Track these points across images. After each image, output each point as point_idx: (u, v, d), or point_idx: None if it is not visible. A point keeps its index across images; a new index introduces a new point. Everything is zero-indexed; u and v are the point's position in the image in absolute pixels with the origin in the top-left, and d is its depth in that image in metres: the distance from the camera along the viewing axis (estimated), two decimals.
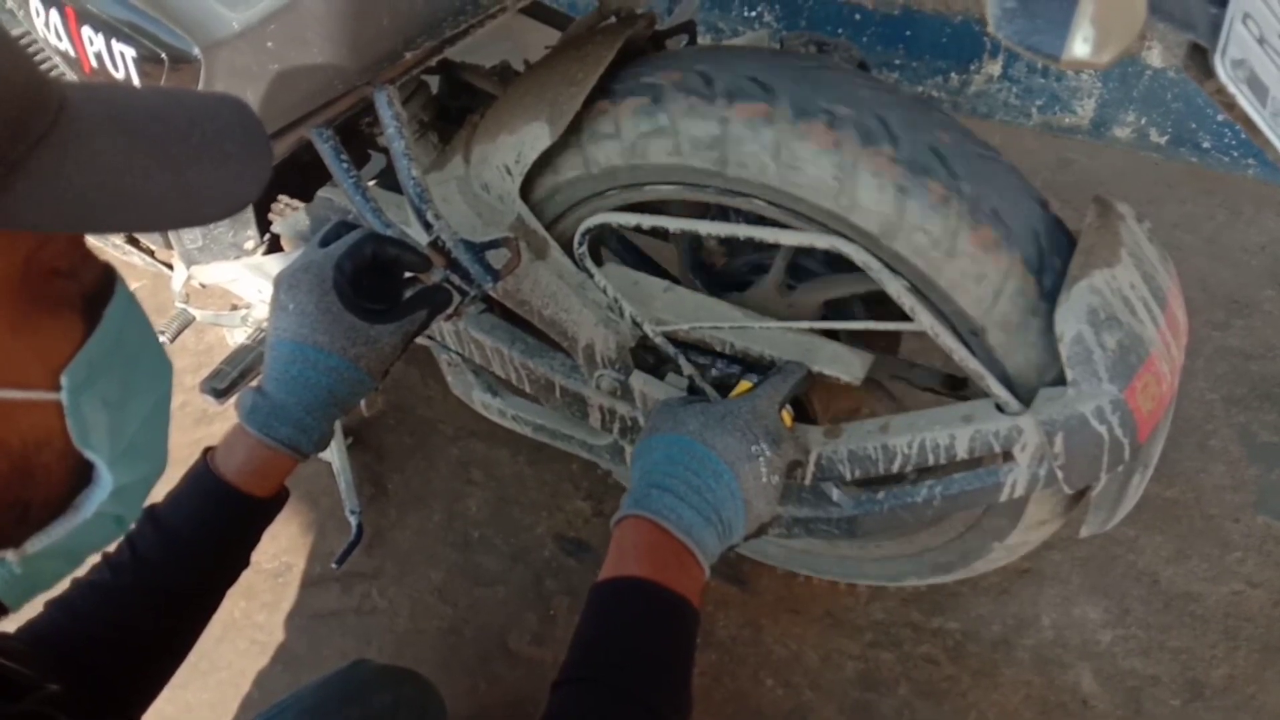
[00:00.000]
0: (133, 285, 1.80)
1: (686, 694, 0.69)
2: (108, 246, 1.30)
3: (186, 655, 0.82)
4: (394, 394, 1.59)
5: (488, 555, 1.39)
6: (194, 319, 1.20)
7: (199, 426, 1.55)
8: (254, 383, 1.15)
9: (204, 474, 0.79)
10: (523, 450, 1.49)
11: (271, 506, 0.83)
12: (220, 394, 1.05)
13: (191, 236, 1.08)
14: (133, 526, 0.76)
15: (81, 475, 0.50)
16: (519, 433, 1.24)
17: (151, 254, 1.31)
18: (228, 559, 0.82)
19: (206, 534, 0.78)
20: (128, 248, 1.29)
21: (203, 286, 1.19)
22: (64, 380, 0.46)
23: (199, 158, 0.46)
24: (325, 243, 0.84)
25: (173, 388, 0.57)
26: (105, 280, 0.50)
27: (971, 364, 0.80)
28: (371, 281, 0.83)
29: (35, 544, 0.48)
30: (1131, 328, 0.74)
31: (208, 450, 0.81)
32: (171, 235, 1.10)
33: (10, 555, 0.47)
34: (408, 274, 1.05)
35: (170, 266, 1.27)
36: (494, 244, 0.91)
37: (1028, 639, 1.23)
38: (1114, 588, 1.27)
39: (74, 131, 0.42)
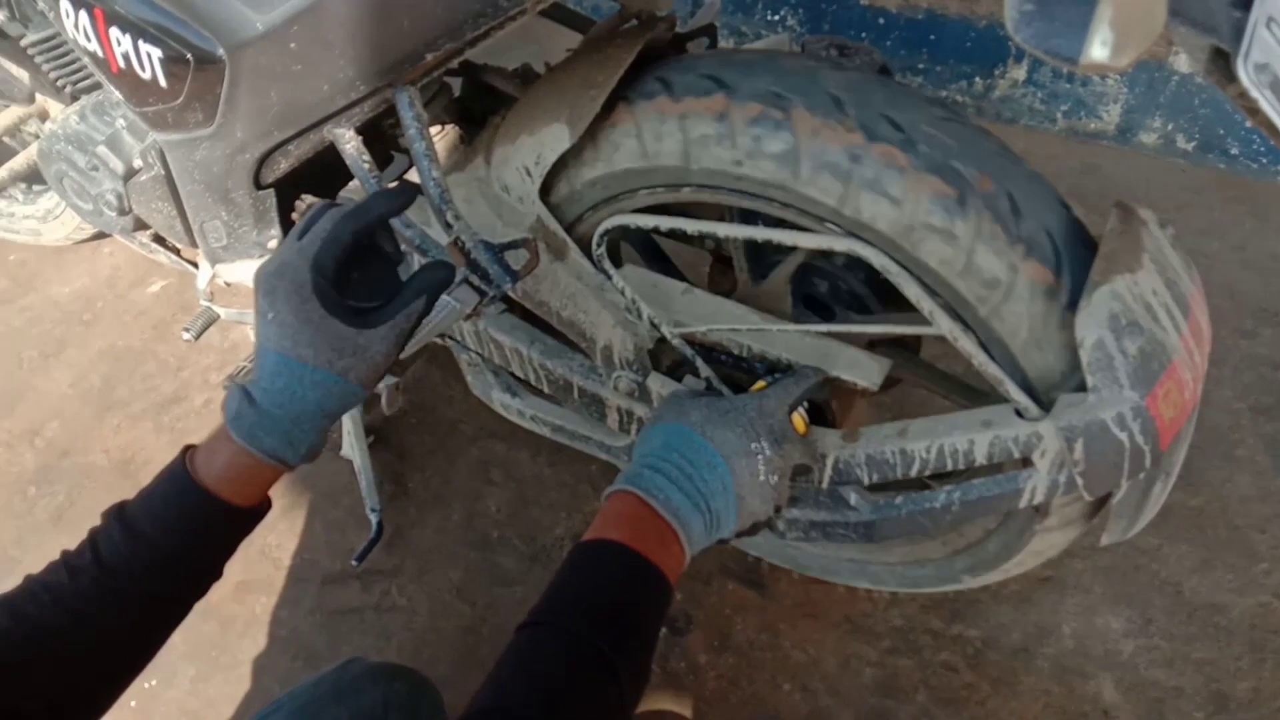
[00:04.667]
0: (158, 284, 1.82)
1: (645, 658, 0.69)
2: (133, 245, 1.32)
3: (140, 668, 0.74)
4: (416, 393, 1.60)
5: (506, 555, 1.39)
6: (219, 316, 1.21)
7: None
8: (242, 377, 1.16)
9: (181, 476, 0.72)
10: (542, 451, 1.50)
11: (252, 517, 0.76)
12: None
13: (216, 235, 1.09)
14: (98, 524, 0.72)
15: None
16: (538, 433, 1.25)
17: (177, 252, 1.33)
18: (199, 569, 0.75)
19: (179, 541, 0.71)
20: (154, 246, 1.30)
21: (227, 285, 1.20)
22: None
23: None
24: (303, 233, 0.74)
25: None
26: None
27: (991, 369, 0.79)
28: (360, 269, 0.75)
29: None
30: (1153, 334, 0.73)
31: (188, 449, 0.75)
32: (197, 234, 1.11)
33: None
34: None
35: (195, 265, 1.28)
36: (513, 245, 0.92)
37: (1048, 647, 1.22)
38: (1137, 597, 1.25)
39: None
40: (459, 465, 1.51)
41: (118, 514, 0.71)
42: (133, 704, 1.28)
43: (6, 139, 1.54)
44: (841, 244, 0.78)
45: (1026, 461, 0.82)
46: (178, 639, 0.76)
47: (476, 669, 1.27)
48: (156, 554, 0.70)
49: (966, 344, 0.79)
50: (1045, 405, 0.79)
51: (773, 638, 1.28)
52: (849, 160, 0.76)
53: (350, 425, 1.43)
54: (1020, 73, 1.89)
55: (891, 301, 0.98)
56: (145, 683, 1.29)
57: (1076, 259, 0.77)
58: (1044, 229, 0.76)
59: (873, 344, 0.96)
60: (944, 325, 0.79)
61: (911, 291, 0.78)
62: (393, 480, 1.49)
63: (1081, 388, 0.75)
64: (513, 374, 1.15)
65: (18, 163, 1.40)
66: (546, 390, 1.12)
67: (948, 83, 1.98)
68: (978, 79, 1.94)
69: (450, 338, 1.16)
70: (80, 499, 1.49)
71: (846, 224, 0.80)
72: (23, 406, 1.63)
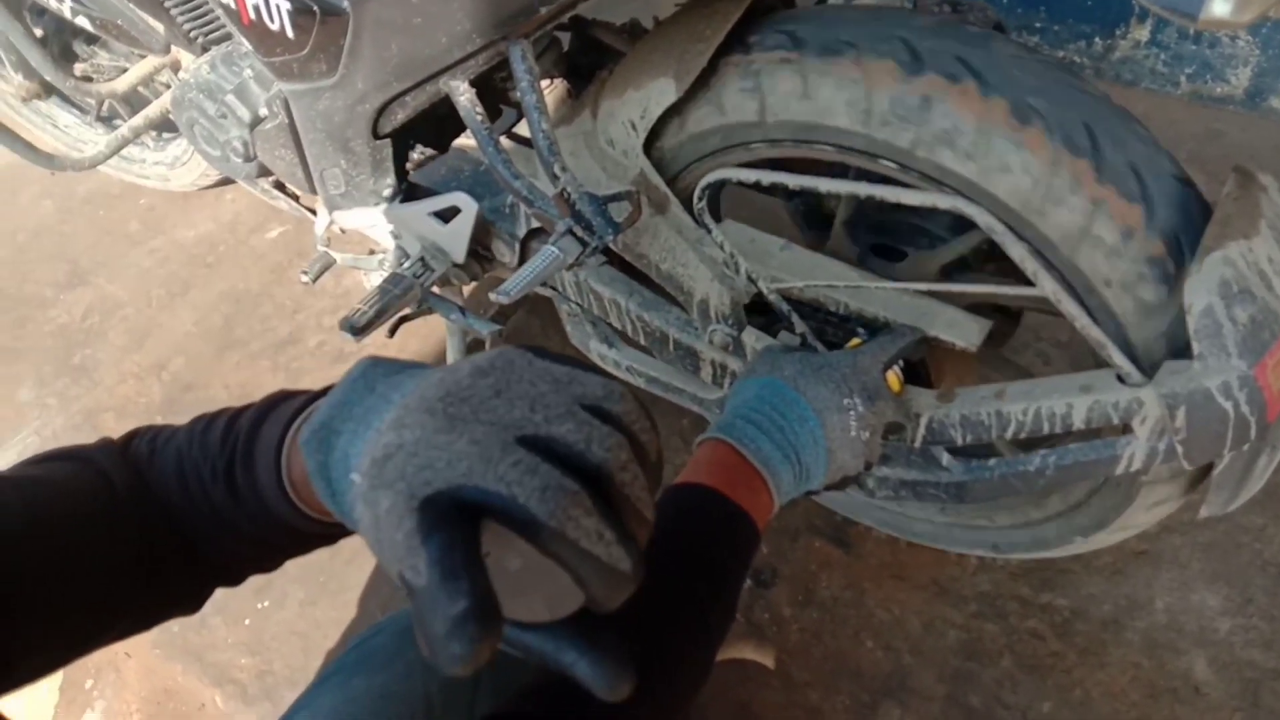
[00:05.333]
0: (277, 230, 1.91)
1: (732, 599, 0.71)
2: (255, 191, 1.39)
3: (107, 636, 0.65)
4: (515, 342, 1.64)
5: None
6: (335, 262, 1.27)
7: (334, 365, 1.65)
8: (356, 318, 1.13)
9: (274, 469, 0.61)
10: None
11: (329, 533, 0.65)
12: (358, 331, 1.11)
13: (335, 183, 1.15)
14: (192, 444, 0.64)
15: None
16: (632, 384, 1.28)
17: (296, 199, 1.39)
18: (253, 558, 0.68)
19: (264, 525, 0.63)
20: (275, 192, 1.37)
21: (343, 231, 1.26)
22: None
23: None
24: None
25: None
26: None
27: (1094, 332, 0.78)
28: None
29: None
30: (1266, 303, 0.72)
31: (300, 418, 0.61)
32: (316, 181, 1.17)
33: None
34: (534, 225, 1.10)
35: (314, 212, 1.34)
36: (616, 197, 0.94)
37: (1139, 621, 1.20)
38: (1237, 576, 1.22)
39: None
40: None
41: (227, 468, 0.63)
42: (247, 622, 1.37)
43: (141, 88, 1.63)
44: (946, 202, 0.78)
45: (1126, 428, 0.81)
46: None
47: None
48: (234, 515, 0.64)
49: (1069, 306, 0.78)
50: (1148, 371, 0.78)
51: (857, 596, 1.29)
52: (967, 124, 0.76)
53: None
54: (1143, 33, 1.81)
55: (995, 265, 0.97)
56: (258, 604, 1.38)
57: (1189, 223, 0.75)
58: (1156, 191, 0.74)
59: (974, 308, 0.96)
60: (1047, 287, 0.78)
61: (1016, 251, 0.78)
62: None
63: (1187, 355, 0.74)
64: (610, 325, 1.18)
65: (152, 110, 1.48)
66: (642, 342, 1.14)
67: (1065, 42, 1.92)
68: (1097, 39, 1.87)
69: (551, 287, 1.20)
70: None
71: (960, 185, 0.80)
72: (150, 342, 1.73)
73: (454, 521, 0.40)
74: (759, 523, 0.74)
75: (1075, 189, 0.75)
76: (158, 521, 0.65)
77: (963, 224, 0.94)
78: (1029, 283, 0.79)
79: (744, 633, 1.27)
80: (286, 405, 0.62)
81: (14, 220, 2.00)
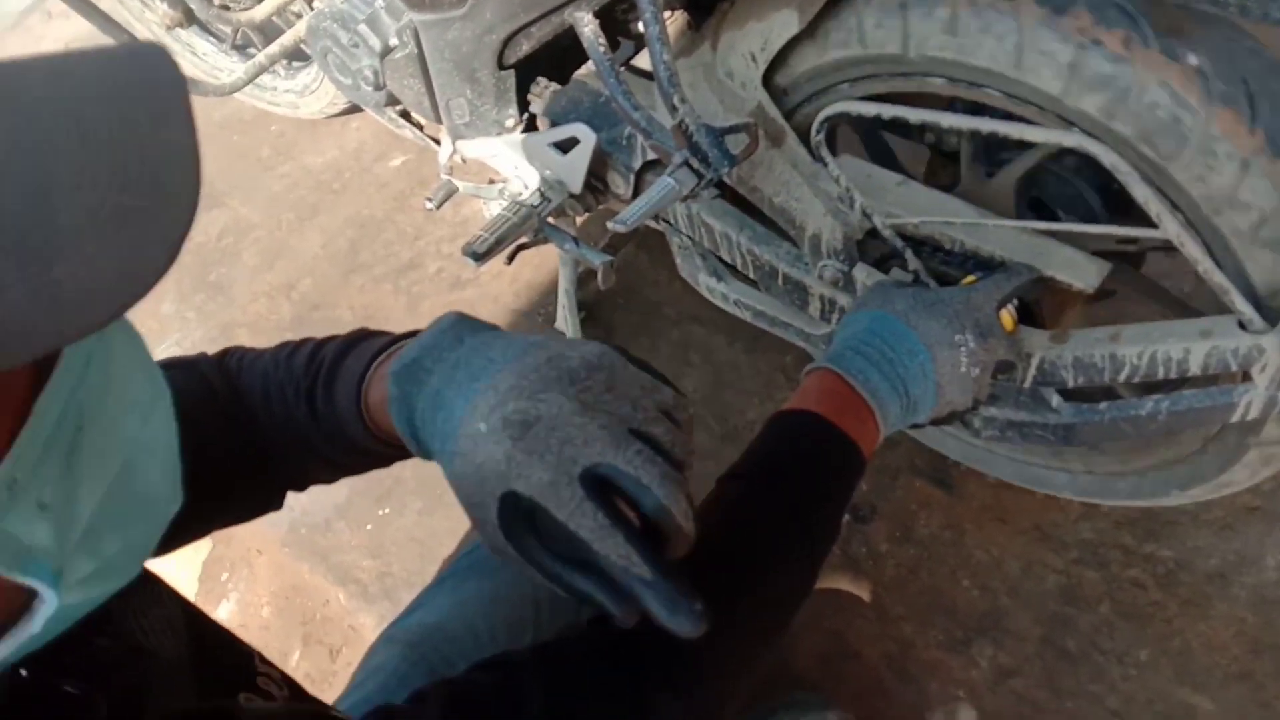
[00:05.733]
0: (399, 159, 1.98)
1: (835, 523, 0.74)
2: (382, 119, 1.44)
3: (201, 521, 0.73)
4: (624, 275, 1.68)
5: (700, 432, 1.47)
6: (457, 189, 1.32)
7: (452, 291, 1.71)
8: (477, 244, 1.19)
9: (354, 395, 0.69)
10: (739, 338, 1.55)
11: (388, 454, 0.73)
12: (479, 257, 1.16)
13: (460, 112, 1.19)
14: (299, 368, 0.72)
15: (27, 591, 0.39)
16: (739, 318, 1.30)
17: (421, 128, 1.44)
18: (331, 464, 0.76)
19: (348, 445, 0.71)
20: (401, 121, 1.42)
21: (464, 160, 1.30)
22: None
23: (78, 235, 0.32)
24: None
25: (168, 419, 0.45)
26: (39, 364, 0.38)
27: (1216, 276, 0.77)
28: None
29: None
30: None
31: (384, 354, 0.69)
32: (442, 111, 1.21)
33: None
34: (650, 158, 1.12)
35: (438, 141, 1.39)
36: (734, 129, 0.95)
37: (1248, 577, 1.18)
38: None
39: None
40: (660, 345, 1.59)
41: (325, 379, 0.71)
42: (368, 527, 1.47)
43: (276, 18, 1.70)
44: (1070, 139, 0.77)
45: (1245, 376, 0.80)
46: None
47: None
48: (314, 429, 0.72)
49: (1193, 249, 0.77)
50: (1271, 319, 0.76)
51: (956, 536, 1.30)
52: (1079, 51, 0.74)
53: (565, 300, 1.53)
54: None
55: (1121, 210, 0.95)
56: (380, 511, 1.47)
57: None
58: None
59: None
60: (1170, 229, 0.77)
61: (1140, 192, 0.76)
62: None
63: None
64: (720, 258, 1.20)
65: (287, 39, 1.55)
66: (751, 275, 1.16)
67: None
68: None
69: (663, 220, 1.22)
70: None
71: (1079, 119, 0.78)
72: (281, 263, 1.83)
73: (609, 499, 0.53)
74: (864, 450, 0.76)
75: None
76: (247, 425, 0.74)
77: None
78: (1152, 225, 0.77)
79: (840, 565, 1.29)
80: (371, 341, 0.72)
81: None
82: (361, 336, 0.74)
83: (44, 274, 0.30)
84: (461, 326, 0.64)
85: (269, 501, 0.79)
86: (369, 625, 1.40)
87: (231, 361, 0.77)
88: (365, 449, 0.71)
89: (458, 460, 0.56)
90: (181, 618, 0.63)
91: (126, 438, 0.42)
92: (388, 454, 0.72)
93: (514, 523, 0.54)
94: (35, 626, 0.40)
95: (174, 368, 0.76)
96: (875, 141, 1.16)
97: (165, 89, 0.36)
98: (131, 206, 0.32)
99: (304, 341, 0.76)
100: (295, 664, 1.43)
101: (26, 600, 0.39)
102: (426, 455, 0.64)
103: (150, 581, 0.62)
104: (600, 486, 0.53)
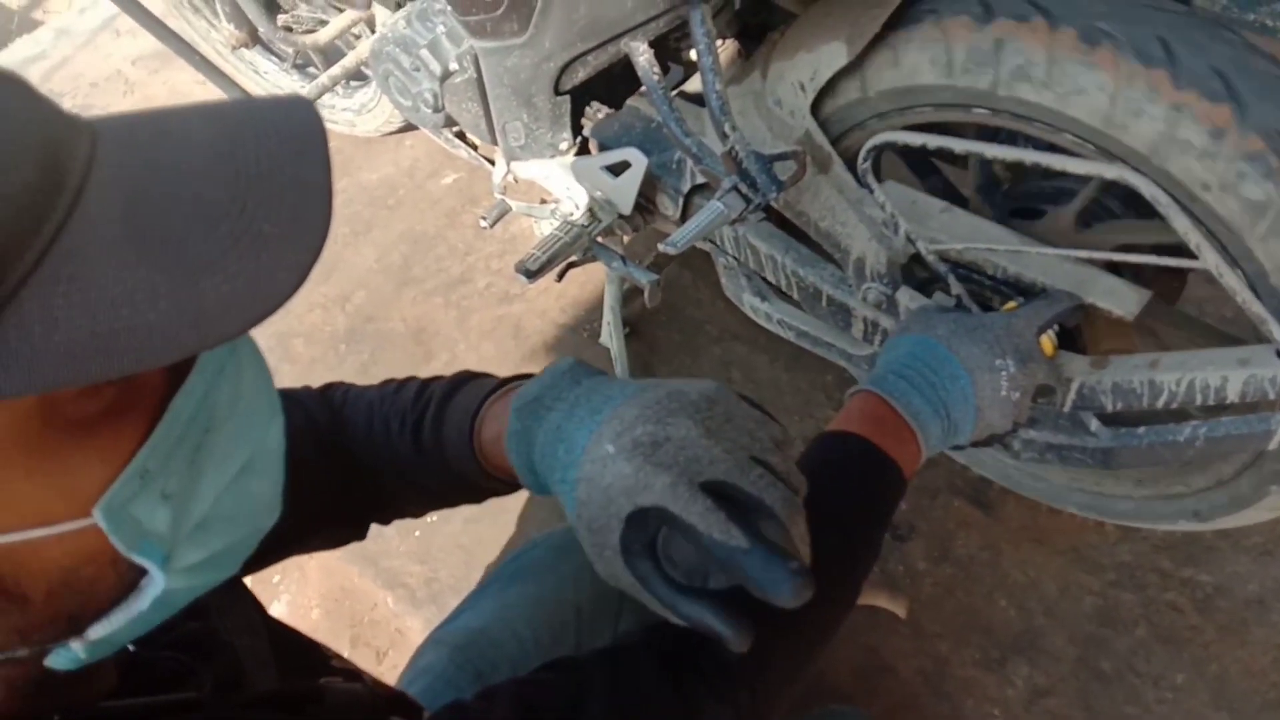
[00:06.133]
0: (451, 176, 2.03)
1: (877, 540, 0.76)
2: (439, 139, 1.49)
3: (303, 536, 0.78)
4: (668, 293, 1.71)
5: None
6: (510, 209, 1.37)
7: (501, 305, 1.76)
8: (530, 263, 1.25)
9: (466, 430, 0.73)
10: (780, 357, 1.58)
11: (493, 489, 0.77)
12: (532, 275, 1.20)
13: (515, 135, 1.23)
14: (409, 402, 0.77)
15: (139, 570, 0.44)
16: (782, 337, 1.33)
17: (475, 149, 1.49)
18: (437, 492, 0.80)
19: (448, 472, 0.75)
20: (457, 142, 1.47)
21: (516, 181, 1.35)
22: (98, 512, 0.40)
23: (224, 255, 0.36)
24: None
25: (281, 434, 0.49)
26: (177, 368, 0.43)
27: (1255, 307, 0.79)
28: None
29: (98, 630, 0.44)
30: None
31: (496, 393, 0.74)
32: (498, 133, 1.26)
33: (74, 644, 0.44)
34: (699, 181, 1.15)
35: (492, 161, 1.44)
36: (783, 156, 0.99)
37: None
38: None
39: (73, 252, 0.34)
40: (702, 362, 1.62)
41: (437, 407, 0.75)
42: (417, 534, 1.51)
43: (338, 42, 1.76)
44: (1111, 171, 0.80)
45: None
46: None
47: None
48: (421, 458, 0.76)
49: (1231, 280, 0.79)
50: None
51: (994, 556, 1.31)
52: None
53: (610, 317, 1.57)
54: None
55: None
56: (428, 518, 1.52)
57: None
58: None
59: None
60: (1210, 260, 0.79)
61: (1180, 223, 0.79)
62: (642, 370, 1.62)
63: None
64: (765, 279, 1.23)
65: (349, 61, 1.61)
66: (795, 296, 1.19)
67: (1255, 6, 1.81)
68: None
69: (711, 241, 1.25)
70: (381, 358, 1.73)
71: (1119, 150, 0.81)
72: (336, 276, 1.89)
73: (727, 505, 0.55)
74: (906, 471, 0.78)
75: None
76: (346, 456, 0.78)
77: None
78: (1192, 255, 0.80)
79: (877, 582, 1.31)
80: (482, 381, 0.77)
81: None
82: (469, 377, 0.78)
83: (191, 287, 0.35)
84: (579, 370, 0.68)
85: (354, 532, 0.84)
86: (415, 629, 1.44)
87: (336, 394, 0.82)
88: (471, 483, 0.75)
89: (582, 485, 0.59)
90: (259, 619, 0.67)
91: (247, 445, 0.46)
92: (491, 488, 0.76)
93: (633, 548, 0.57)
94: (143, 604, 0.44)
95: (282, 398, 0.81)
96: (918, 159, 1.19)
97: (306, 133, 0.40)
98: (271, 234, 0.37)
99: (409, 379, 0.81)
100: None
101: (136, 578, 0.44)
102: (541, 489, 0.67)
103: (234, 582, 0.67)
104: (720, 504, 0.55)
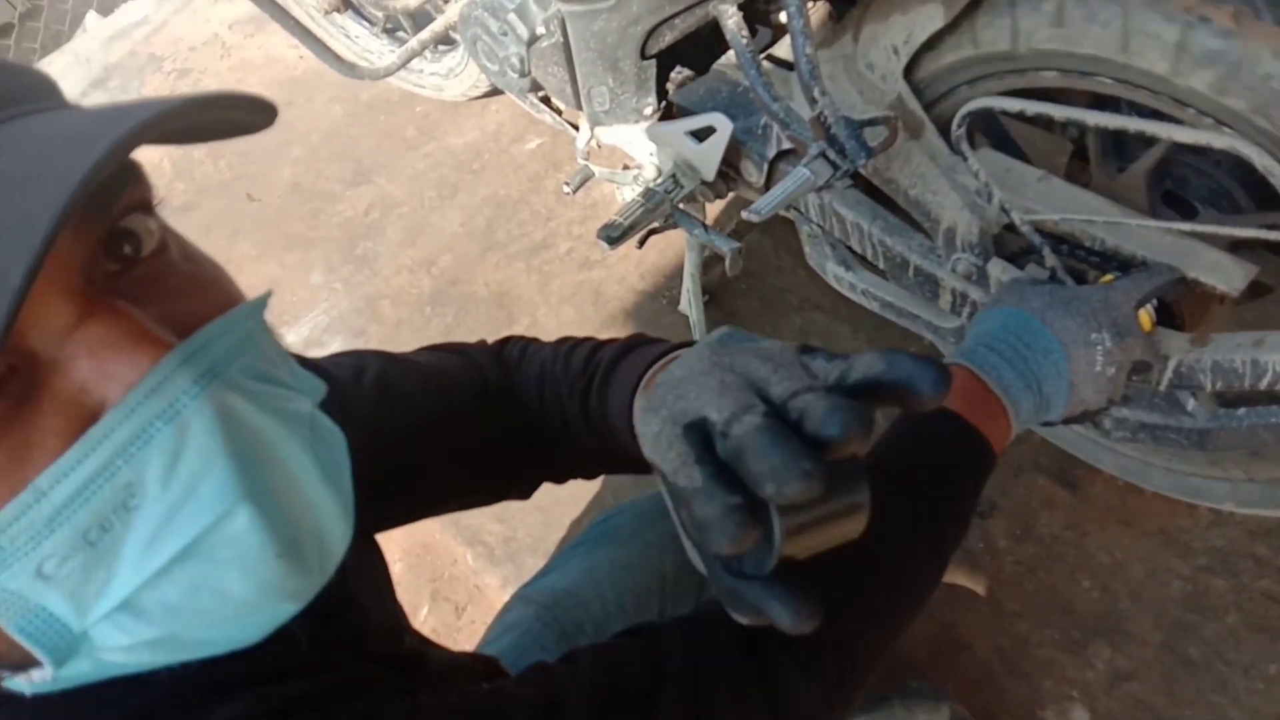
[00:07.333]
0: (535, 142, 2.05)
1: (965, 516, 0.74)
2: (524, 104, 1.50)
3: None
4: (747, 261, 1.70)
5: None
6: (593, 174, 1.37)
7: (581, 271, 1.77)
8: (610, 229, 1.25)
9: (627, 398, 0.72)
10: (863, 328, 1.56)
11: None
12: (614, 241, 1.20)
13: (600, 100, 1.23)
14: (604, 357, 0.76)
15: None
16: (865, 308, 1.31)
17: (560, 114, 1.49)
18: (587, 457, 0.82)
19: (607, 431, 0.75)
20: (542, 107, 1.47)
21: (599, 146, 1.35)
22: None
23: None
24: None
25: (252, 525, 0.41)
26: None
27: None
28: None
29: (38, 676, 0.41)
30: None
31: (662, 357, 0.72)
32: (583, 98, 1.26)
33: (20, 680, 0.42)
34: (785, 147, 1.14)
35: (576, 126, 1.44)
36: (873, 122, 0.97)
37: None
38: None
39: None
40: (782, 331, 1.61)
41: (606, 368, 0.75)
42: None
43: (428, 6, 1.78)
44: (1220, 140, 0.76)
45: None
46: None
47: None
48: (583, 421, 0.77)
49: None
50: None
51: (1078, 536, 1.28)
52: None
53: (690, 284, 1.56)
54: None
55: (1269, 203, 0.93)
56: None
57: None
58: None
59: (1238, 247, 0.92)
60: None
61: None
62: None
63: None
64: (849, 248, 1.21)
65: (438, 25, 1.62)
66: (881, 266, 1.17)
67: None
68: None
69: (794, 208, 1.24)
70: (465, 321, 1.76)
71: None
72: (422, 239, 1.92)
73: (710, 447, 0.47)
74: (996, 447, 0.77)
75: None
76: (515, 416, 0.80)
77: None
78: None
79: (957, 559, 1.29)
80: (647, 349, 0.75)
81: (310, 122, 2.24)
82: (638, 343, 0.77)
83: None
84: (738, 334, 0.62)
85: (517, 490, 0.86)
86: (493, 585, 1.47)
87: (513, 351, 0.83)
88: (628, 450, 0.72)
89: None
90: (389, 585, 0.70)
91: (187, 530, 0.39)
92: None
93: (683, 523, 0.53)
94: (66, 673, 0.41)
95: (446, 351, 0.84)
96: (998, 133, 1.16)
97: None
98: None
99: (583, 340, 0.81)
100: (424, 618, 1.52)
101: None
102: None
103: (372, 548, 0.70)
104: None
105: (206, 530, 0.39)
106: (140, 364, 0.38)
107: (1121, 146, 0.99)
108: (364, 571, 0.67)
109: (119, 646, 0.40)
